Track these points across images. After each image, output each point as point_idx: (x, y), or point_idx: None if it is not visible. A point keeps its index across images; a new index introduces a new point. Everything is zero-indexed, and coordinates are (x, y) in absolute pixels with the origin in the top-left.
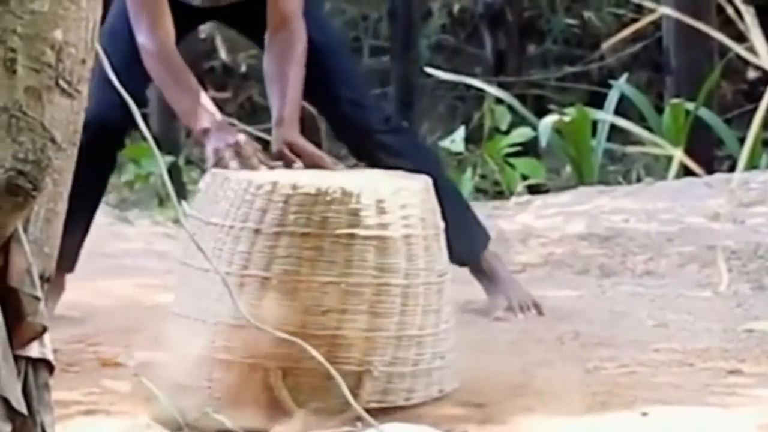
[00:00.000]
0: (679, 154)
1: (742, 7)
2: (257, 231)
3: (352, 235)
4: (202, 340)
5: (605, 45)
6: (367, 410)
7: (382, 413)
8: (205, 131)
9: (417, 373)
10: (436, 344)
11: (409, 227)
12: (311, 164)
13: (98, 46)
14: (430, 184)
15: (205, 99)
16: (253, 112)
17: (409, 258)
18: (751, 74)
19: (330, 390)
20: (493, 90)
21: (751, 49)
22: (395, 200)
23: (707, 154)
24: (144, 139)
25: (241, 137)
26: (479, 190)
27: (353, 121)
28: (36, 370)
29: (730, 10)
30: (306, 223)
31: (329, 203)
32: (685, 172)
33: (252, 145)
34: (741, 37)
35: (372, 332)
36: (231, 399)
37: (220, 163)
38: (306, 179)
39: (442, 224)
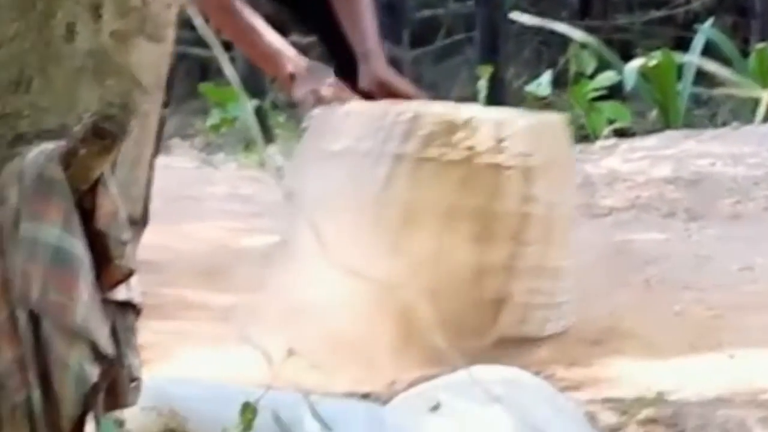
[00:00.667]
0: (766, 97)
1: None
2: (399, 156)
3: (497, 164)
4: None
5: None
6: (504, 341)
7: (515, 345)
8: (292, 77)
9: (550, 305)
10: (565, 278)
11: (549, 158)
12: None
13: None
14: (562, 119)
15: (281, 42)
16: None
17: (549, 189)
18: None
19: (463, 322)
20: (578, 34)
21: None
22: (535, 132)
23: None
24: (229, 82)
25: (331, 80)
26: None
27: None
28: (123, 313)
29: None
30: (451, 151)
31: (473, 132)
32: None
33: (342, 87)
34: None
35: (513, 261)
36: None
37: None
38: (440, 109)
39: (573, 158)
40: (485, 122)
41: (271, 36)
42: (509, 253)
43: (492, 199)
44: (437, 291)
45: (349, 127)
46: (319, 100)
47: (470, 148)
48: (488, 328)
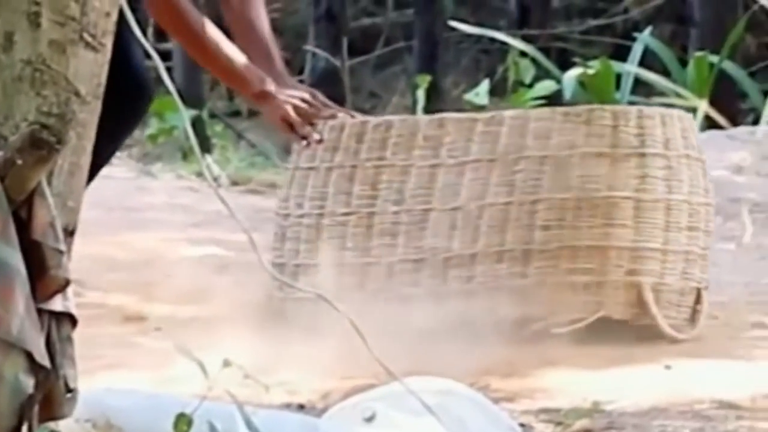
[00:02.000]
0: (703, 106)
1: None
2: (492, 160)
3: (642, 154)
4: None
5: None
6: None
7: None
8: (262, 96)
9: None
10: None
11: (688, 148)
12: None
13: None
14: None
15: (241, 57)
16: None
17: (691, 178)
18: None
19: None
20: (517, 43)
21: None
22: (673, 121)
23: (731, 106)
24: (168, 92)
25: (306, 95)
26: None
27: None
28: (59, 324)
29: None
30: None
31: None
32: (708, 124)
33: (322, 100)
34: None
35: (667, 246)
36: None
37: (304, 121)
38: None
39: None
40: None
41: (231, 50)
42: (662, 239)
43: (641, 187)
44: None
45: (376, 139)
46: (299, 124)
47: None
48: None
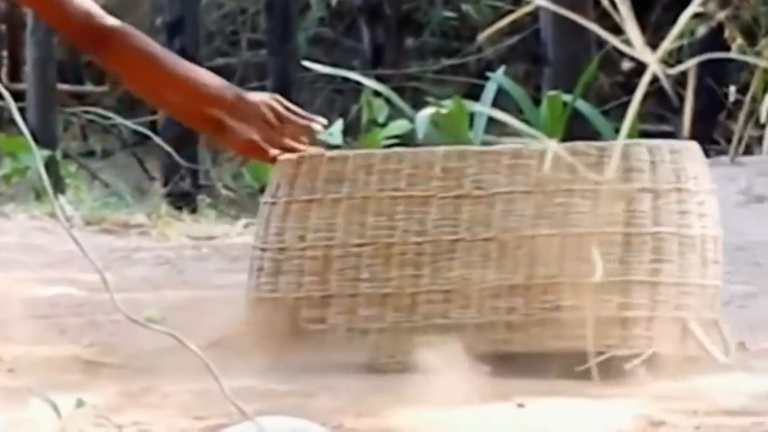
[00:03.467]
0: (553, 146)
1: None
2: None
3: (679, 189)
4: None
5: (481, 36)
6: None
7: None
8: (218, 127)
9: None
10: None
11: (711, 182)
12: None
13: None
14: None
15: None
16: (132, 107)
17: (712, 212)
18: (627, 65)
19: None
20: (370, 83)
21: (628, 41)
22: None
23: None
24: (21, 132)
25: (272, 99)
26: None
27: None
28: None
29: (605, 2)
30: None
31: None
32: None
33: (283, 102)
34: (618, 29)
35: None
36: None
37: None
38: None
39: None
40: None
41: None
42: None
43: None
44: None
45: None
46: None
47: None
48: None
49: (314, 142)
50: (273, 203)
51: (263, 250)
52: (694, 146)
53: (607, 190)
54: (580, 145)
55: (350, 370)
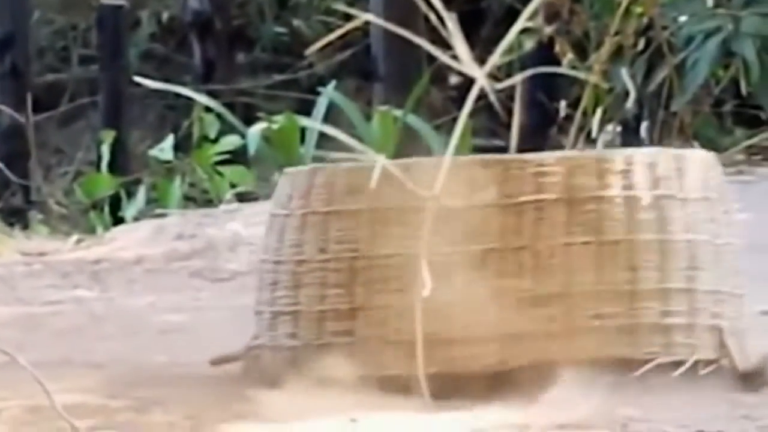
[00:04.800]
0: (381, 161)
1: (445, 15)
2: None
3: (707, 198)
4: None
5: (309, 51)
6: None
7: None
8: None
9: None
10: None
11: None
12: None
13: None
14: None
15: None
16: None
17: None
18: (455, 80)
19: None
20: (202, 98)
21: (457, 56)
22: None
23: None
24: None
25: None
26: (188, 199)
27: None
28: None
29: (434, 18)
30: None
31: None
32: None
33: None
34: (449, 44)
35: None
36: None
37: None
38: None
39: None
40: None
41: None
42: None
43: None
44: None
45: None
46: None
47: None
48: None
49: None
50: (287, 215)
51: (278, 263)
52: (712, 157)
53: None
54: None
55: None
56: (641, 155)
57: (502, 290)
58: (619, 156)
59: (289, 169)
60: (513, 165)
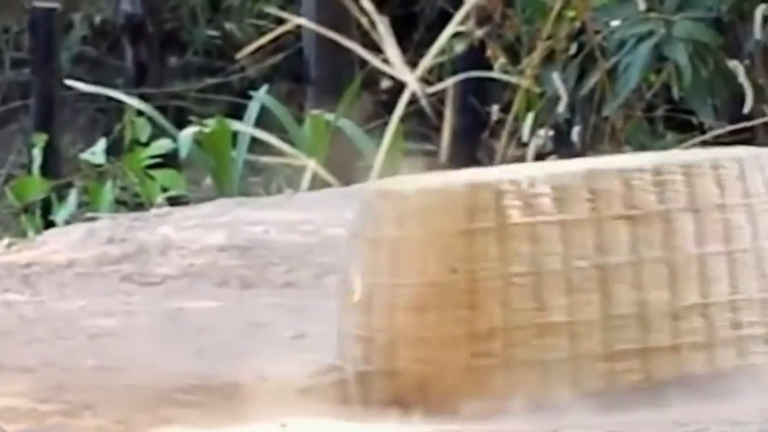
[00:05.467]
0: (312, 165)
1: (377, 18)
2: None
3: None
4: None
5: (241, 54)
6: None
7: None
8: None
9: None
10: None
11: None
12: None
13: None
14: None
15: None
16: None
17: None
18: (386, 84)
19: None
20: (133, 102)
21: (388, 60)
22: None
23: (348, 164)
24: None
25: None
26: (120, 202)
27: None
28: None
29: (365, 21)
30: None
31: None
32: (323, 183)
33: None
34: (381, 48)
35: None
36: None
37: None
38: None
39: None
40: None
41: None
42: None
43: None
44: None
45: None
46: None
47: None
48: None
49: None
50: (402, 238)
51: (397, 286)
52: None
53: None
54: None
55: None
56: (751, 158)
57: (641, 303)
58: (733, 161)
59: (405, 191)
60: (634, 175)
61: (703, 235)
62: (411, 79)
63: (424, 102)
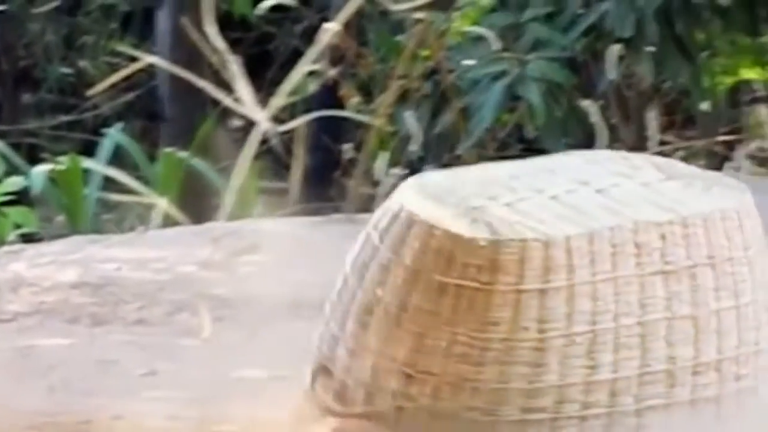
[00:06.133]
0: (162, 204)
1: (229, 57)
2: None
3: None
4: None
5: (93, 91)
6: None
7: None
8: None
9: None
10: None
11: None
12: None
13: None
14: None
15: None
16: None
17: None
18: (237, 122)
19: None
20: None
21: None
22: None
23: (200, 203)
24: None
25: None
26: None
27: None
28: None
29: (217, 60)
30: None
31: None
32: (174, 221)
33: None
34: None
35: None
36: None
37: None
38: None
39: None
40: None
41: None
42: None
43: None
44: None
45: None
46: None
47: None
48: None
49: None
50: (481, 289)
51: (458, 334)
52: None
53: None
54: None
55: None
56: (745, 207)
57: (671, 359)
58: (733, 211)
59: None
60: (668, 228)
61: (719, 290)
62: (262, 118)
63: (275, 141)
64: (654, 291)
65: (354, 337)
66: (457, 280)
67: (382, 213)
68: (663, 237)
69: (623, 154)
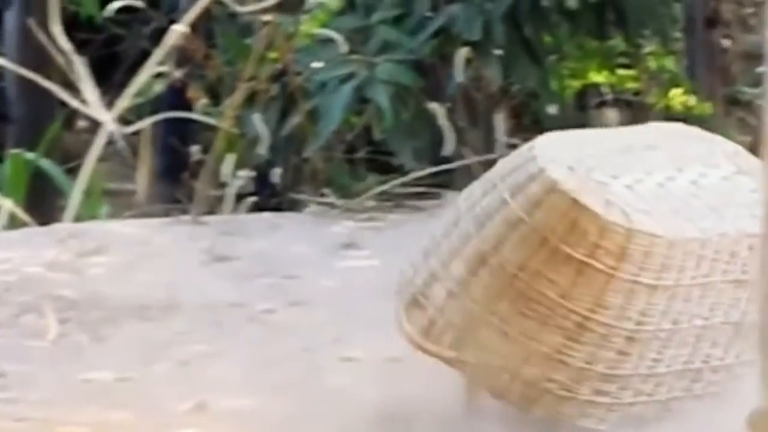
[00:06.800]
0: (8, 205)
1: (75, 58)
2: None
3: None
4: None
5: None
6: None
7: None
8: None
9: None
10: None
11: None
12: None
13: None
14: None
15: None
16: None
17: None
18: (85, 123)
19: None
20: None
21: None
22: None
23: (48, 204)
24: None
25: None
26: None
27: None
28: None
29: (62, 62)
30: None
31: None
32: (21, 223)
33: None
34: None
35: None
36: None
37: None
38: None
39: None
40: None
41: None
42: None
43: None
44: None
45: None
46: None
47: None
48: None
49: None
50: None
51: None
52: None
53: None
54: None
55: None
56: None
57: (706, 359)
58: (742, 233)
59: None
60: (754, 241)
61: (739, 305)
62: (107, 119)
63: (121, 142)
64: (724, 297)
65: (458, 281)
66: (584, 257)
67: (512, 167)
68: (750, 248)
69: (694, 130)
